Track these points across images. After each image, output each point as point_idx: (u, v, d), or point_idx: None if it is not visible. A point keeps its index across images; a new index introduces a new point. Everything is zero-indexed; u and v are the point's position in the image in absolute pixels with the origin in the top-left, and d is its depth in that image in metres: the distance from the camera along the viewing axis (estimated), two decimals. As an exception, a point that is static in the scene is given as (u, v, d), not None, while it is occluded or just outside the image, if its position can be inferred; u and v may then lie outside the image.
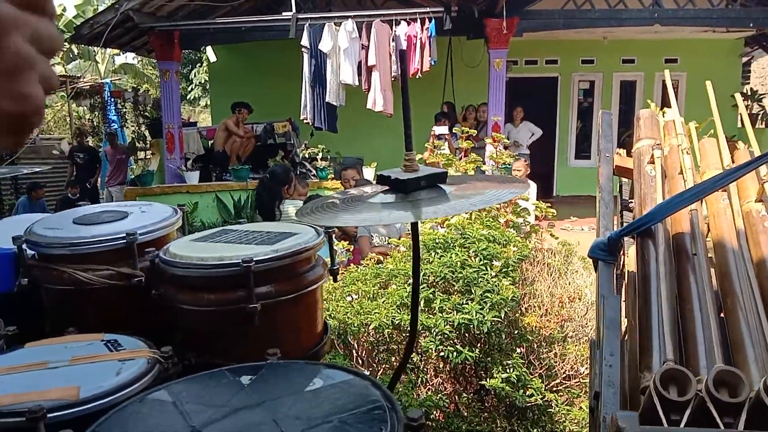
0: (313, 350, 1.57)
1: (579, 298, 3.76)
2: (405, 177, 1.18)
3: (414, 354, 3.28)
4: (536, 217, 4.95)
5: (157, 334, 1.47)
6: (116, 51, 16.64)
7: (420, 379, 3.25)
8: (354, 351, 3.30)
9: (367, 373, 3.10)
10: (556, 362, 3.41)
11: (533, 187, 5.32)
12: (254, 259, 1.38)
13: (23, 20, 0.46)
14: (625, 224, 2.22)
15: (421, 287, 3.26)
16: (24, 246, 1.63)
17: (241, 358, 1.26)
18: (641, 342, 1.30)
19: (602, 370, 1.20)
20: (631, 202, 2.27)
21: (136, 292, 1.56)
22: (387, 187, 1.23)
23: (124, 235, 1.58)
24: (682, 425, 1.05)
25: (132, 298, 1.59)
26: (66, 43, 10.09)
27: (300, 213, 1.35)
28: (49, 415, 1.05)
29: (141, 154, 12.48)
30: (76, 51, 17.05)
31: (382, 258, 3.83)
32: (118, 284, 1.56)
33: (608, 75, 12.04)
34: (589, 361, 3.32)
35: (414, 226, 1.39)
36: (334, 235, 1.68)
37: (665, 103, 2.51)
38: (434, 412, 3.04)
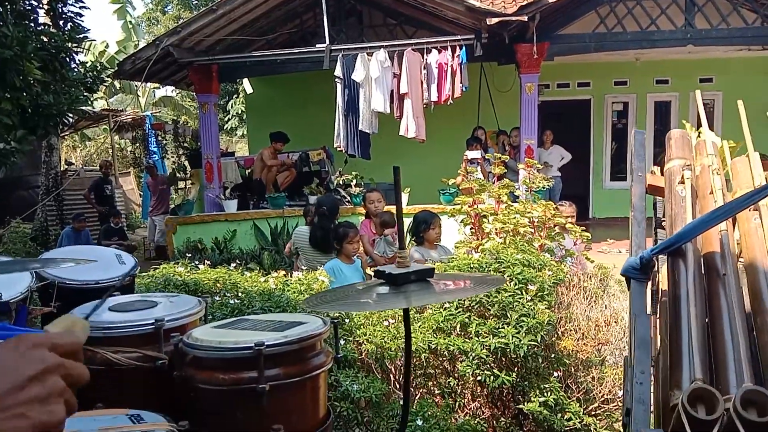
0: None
1: (616, 322, 3.74)
2: (397, 272, 1.45)
3: (451, 378, 3.31)
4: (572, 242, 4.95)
5: (176, 411, 1.62)
6: (156, 85, 17.25)
7: (457, 404, 3.27)
8: (391, 375, 3.34)
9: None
10: (593, 386, 3.39)
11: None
12: (266, 343, 1.54)
13: (63, 365, 0.70)
14: (659, 243, 2.24)
15: (456, 311, 3.30)
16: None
17: None
18: (671, 360, 1.33)
19: (633, 387, 1.24)
20: (665, 220, 2.28)
21: (160, 373, 1.72)
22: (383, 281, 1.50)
23: (153, 321, 1.75)
24: None
25: (156, 379, 1.74)
26: (108, 78, 10.50)
27: (306, 302, 1.57)
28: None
29: (181, 184, 12.81)
30: (118, 85, 17.67)
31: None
32: (144, 365, 1.72)
33: (642, 96, 11.95)
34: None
35: (405, 312, 1.59)
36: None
37: (702, 123, 2.52)
38: (472, 436, 3.06)
